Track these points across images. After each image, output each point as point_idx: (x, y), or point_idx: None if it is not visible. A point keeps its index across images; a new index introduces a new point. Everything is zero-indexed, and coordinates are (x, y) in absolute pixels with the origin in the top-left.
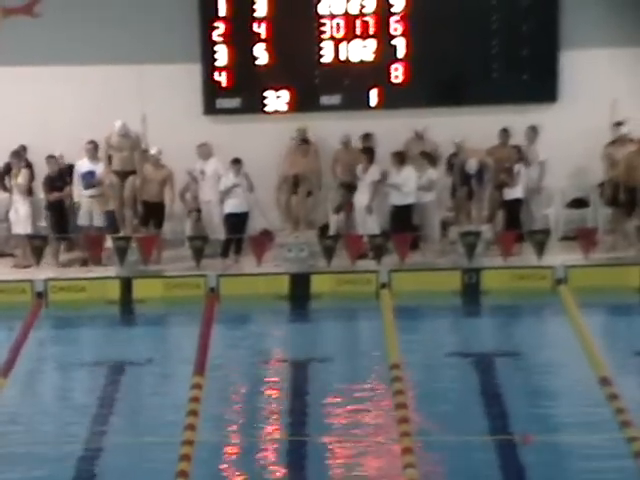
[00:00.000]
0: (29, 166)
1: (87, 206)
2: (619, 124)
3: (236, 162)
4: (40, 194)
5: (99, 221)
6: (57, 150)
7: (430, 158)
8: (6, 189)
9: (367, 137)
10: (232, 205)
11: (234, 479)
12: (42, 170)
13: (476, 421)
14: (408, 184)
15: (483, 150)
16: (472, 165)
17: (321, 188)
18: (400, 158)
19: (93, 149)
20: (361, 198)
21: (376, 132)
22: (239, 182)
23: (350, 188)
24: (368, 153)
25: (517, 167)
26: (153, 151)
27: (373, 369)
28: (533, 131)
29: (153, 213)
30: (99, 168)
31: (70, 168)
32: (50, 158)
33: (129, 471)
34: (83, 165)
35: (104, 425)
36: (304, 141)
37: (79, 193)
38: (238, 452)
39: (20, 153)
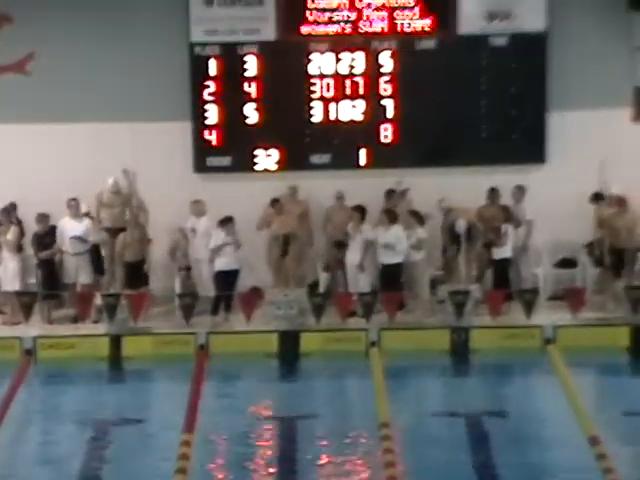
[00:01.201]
0: (19, 223)
1: (74, 264)
2: (597, 197)
3: (227, 220)
4: (29, 251)
5: (86, 279)
6: (46, 208)
7: (418, 217)
8: None
9: (391, 193)
10: (222, 263)
11: None
12: (32, 227)
13: (465, 478)
14: (401, 243)
15: (472, 210)
16: (461, 225)
17: (313, 245)
18: (391, 216)
19: (75, 206)
20: (353, 256)
21: (365, 191)
22: (230, 240)
23: (340, 246)
24: (360, 211)
25: (505, 227)
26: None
27: (362, 427)
28: (520, 190)
29: (135, 272)
30: (83, 226)
31: (53, 227)
32: (41, 216)
33: None
34: (67, 223)
35: None
36: (275, 200)
37: (65, 251)
38: None
39: (9, 210)
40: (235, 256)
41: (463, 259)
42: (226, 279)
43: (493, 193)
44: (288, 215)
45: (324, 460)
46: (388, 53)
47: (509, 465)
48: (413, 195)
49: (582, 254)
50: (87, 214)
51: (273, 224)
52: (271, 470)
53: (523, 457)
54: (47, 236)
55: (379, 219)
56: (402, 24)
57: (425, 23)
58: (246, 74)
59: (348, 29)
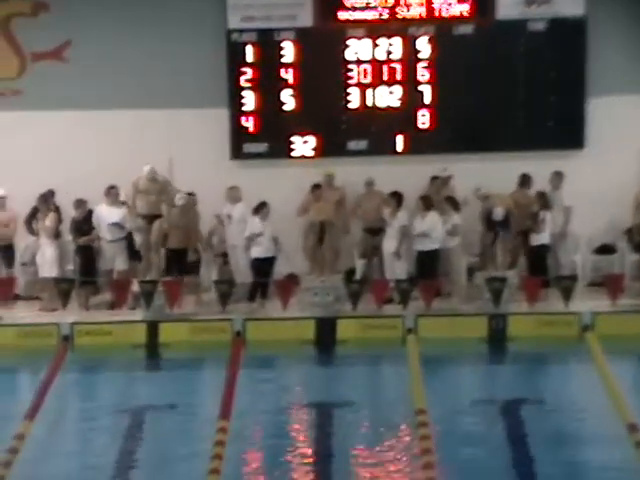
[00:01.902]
0: (57, 209)
1: (110, 251)
2: None
3: (262, 206)
4: (67, 237)
5: (122, 265)
6: (83, 194)
7: (454, 203)
8: (33, 232)
9: (435, 180)
10: (258, 250)
11: None
12: (69, 214)
13: (502, 468)
14: (436, 230)
15: (509, 197)
16: (499, 213)
17: (349, 232)
18: (427, 203)
19: (115, 194)
20: (389, 243)
21: (401, 177)
22: (265, 227)
23: (374, 232)
24: (396, 198)
25: (542, 213)
26: (180, 202)
27: (399, 414)
28: (558, 176)
29: (176, 260)
30: (120, 213)
31: (91, 213)
32: (79, 202)
33: None
34: (104, 210)
35: (129, 470)
36: (316, 186)
37: (102, 238)
38: None
39: (47, 197)
40: (271, 243)
41: (500, 246)
42: (262, 266)
43: (524, 179)
44: (325, 202)
45: (360, 448)
46: (425, 39)
47: (546, 454)
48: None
49: (621, 240)
50: (124, 202)
51: (310, 211)
52: (306, 458)
53: (560, 446)
54: (85, 222)
55: (416, 206)
56: (440, 9)
57: (463, 8)
58: (283, 60)
59: (385, 15)
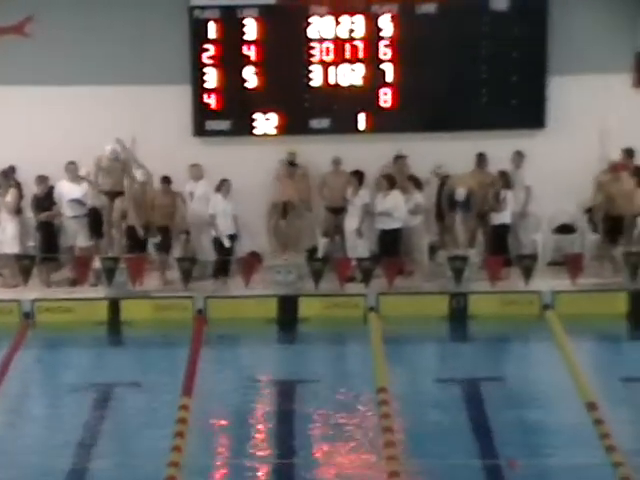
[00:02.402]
0: (18, 185)
1: (72, 227)
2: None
3: (223, 183)
4: (28, 214)
5: (84, 242)
6: (45, 171)
7: (416, 182)
8: None
9: (398, 159)
10: (222, 228)
11: None
12: (30, 190)
13: (462, 445)
14: (398, 209)
15: (470, 177)
16: (461, 193)
17: (311, 211)
18: (391, 182)
19: (74, 169)
20: (351, 222)
21: (363, 156)
22: (228, 204)
23: (338, 211)
24: (358, 176)
25: (503, 192)
26: (140, 178)
27: (360, 392)
28: (519, 156)
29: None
30: (81, 189)
31: (52, 189)
32: (41, 178)
33: None
34: (64, 186)
35: (90, 448)
36: (292, 165)
37: (63, 214)
38: (224, 474)
39: (8, 173)
40: (233, 221)
41: (461, 226)
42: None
43: (481, 158)
44: (286, 180)
45: (321, 424)
46: (388, 17)
47: (506, 429)
48: (411, 160)
49: (581, 220)
50: (84, 178)
51: (273, 191)
52: (268, 434)
53: (520, 423)
54: (47, 199)
55: (377, 184)
56: None
57: None
58: (246, 38)
59: None
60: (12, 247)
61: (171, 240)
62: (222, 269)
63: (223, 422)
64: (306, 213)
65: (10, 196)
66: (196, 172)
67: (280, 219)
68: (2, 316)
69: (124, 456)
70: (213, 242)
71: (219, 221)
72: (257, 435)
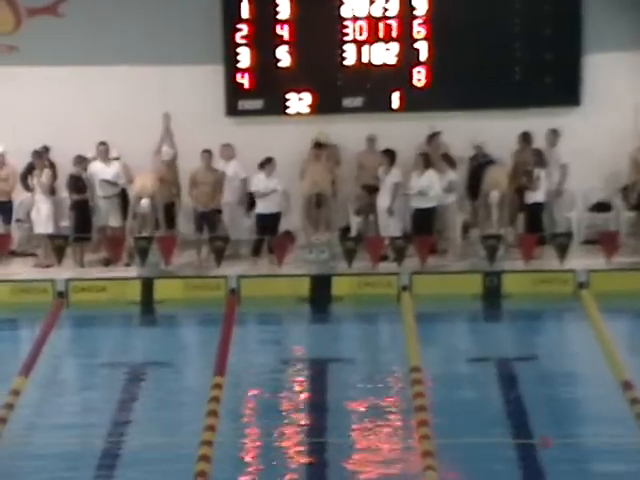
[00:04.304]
0: (52, 166)
1: (104, 207)
2: None
3: (267, 162)
4: (62, 194)
5: (116, 222)
6: (78, 151)
7: (450, 161)
8: (28, 188)
9: (433, 136)
10: (263, 206)
11: (252, 479)
12: (64, 171)
13: (495, 424)
14: (433, 188)
15: (504, 176)
16: (494, 197)
17: (336, 195)
18: (426, 160)
19: (105, 150)
20: (383, 200)
21: (397, 135)
22: (274, 184)
23: (371, 190)
24: (389, 155)
25: (537, 171)
26: (164, 157)
27: (393, 371)
28: (554, 134)
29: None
30: (113, 169)
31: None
32: (80, 158)
33: (149, 471)
34: (97, 166)
35: (123, 426)
36: (319, 146)
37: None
38: (257, 453)
39: (42, 153)
40: (277, 199)
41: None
42: (267, 222)
43: (525, 137)
44: (319, 166)
45: (354, 403)
46: None
47: (540, 408)
48: (444, 139)
49: (617, 198)
50: (118, 158)
51: (306, 178)
52: (301, 413)
53: (554, 404)
54: (82, 179)
55: (415, 162)
56: None
57: None
58: (278, 17)
59: None
60: (46, 227)
61: (217, 218)
62: (259, 248)
63: (256, 401)
64: (338, 192)
65: (45, 176)
66: (228, 152)
67: (314, 209)
68: (36, 295)
69: (157, 435)
70: (256, 220)
71: (260, 200)
72: (290, 414)
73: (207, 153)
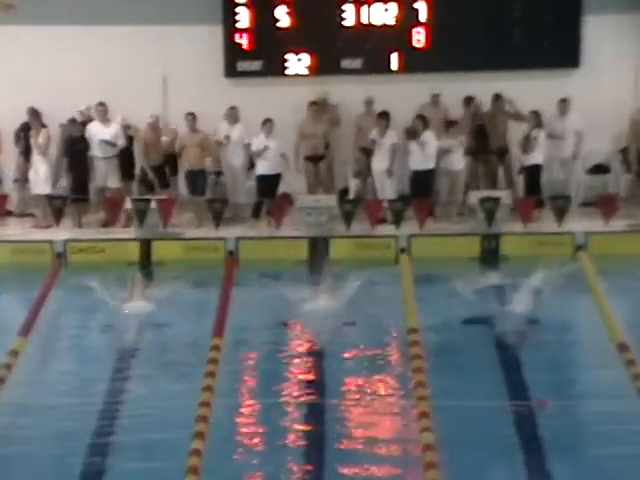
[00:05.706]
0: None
1: (102, 168)
2: None
3: (266, 122)
4: (54, 156)
5: (114, 183)
6: (74, 113)
7: (450, 123)
8: (25, 150)
9: (433, 98)
10: (263, 167)
11: (250, 440)
12: (57, 132)
13: (493, 386)
14: (431, 144)
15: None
16: None
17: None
18: (424, 122)
19: (103, 111)
20: (378, 163)
21: (396, 96)
22: (270, 143)
23: (368, 152)
24: (384, 117)
25: (534, 133)
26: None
27: (391, 333)
28: (564, 103)
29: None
30: (111, 130)
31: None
32: (73, 122)
33: (146, 428)
34: (95, 127)
35: (121, 385)
36: (315, 104)
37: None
38: (255, 414)
39: (38, 112)
40: (278, 160)
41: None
42: (267, 184)
43: (497, 99)
44: (316, 125)
45: (352, 365)
46: None
47: (537, 370)
48: (444, 100)
49: (615, 160)
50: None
51: (302, 142)
52: (299, 374)
53: (552, 364)
54: (79, 140)
55: (413, 123)
56: None
57: None
58: None
59: None
60: (44, 188)
61: (205, 181)
62: (259, 210)
63: (254, 362)
64: (337, 153)
65: (42, 137)
66: (233, 115)
67: (313, 168)
68: (35, 256)
69: (155, 396)
70: (256, 182)
71: (259, 160)
72: (287, 375)
73: (190, 116)
